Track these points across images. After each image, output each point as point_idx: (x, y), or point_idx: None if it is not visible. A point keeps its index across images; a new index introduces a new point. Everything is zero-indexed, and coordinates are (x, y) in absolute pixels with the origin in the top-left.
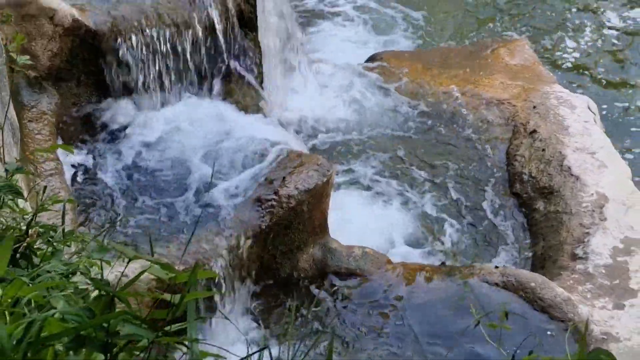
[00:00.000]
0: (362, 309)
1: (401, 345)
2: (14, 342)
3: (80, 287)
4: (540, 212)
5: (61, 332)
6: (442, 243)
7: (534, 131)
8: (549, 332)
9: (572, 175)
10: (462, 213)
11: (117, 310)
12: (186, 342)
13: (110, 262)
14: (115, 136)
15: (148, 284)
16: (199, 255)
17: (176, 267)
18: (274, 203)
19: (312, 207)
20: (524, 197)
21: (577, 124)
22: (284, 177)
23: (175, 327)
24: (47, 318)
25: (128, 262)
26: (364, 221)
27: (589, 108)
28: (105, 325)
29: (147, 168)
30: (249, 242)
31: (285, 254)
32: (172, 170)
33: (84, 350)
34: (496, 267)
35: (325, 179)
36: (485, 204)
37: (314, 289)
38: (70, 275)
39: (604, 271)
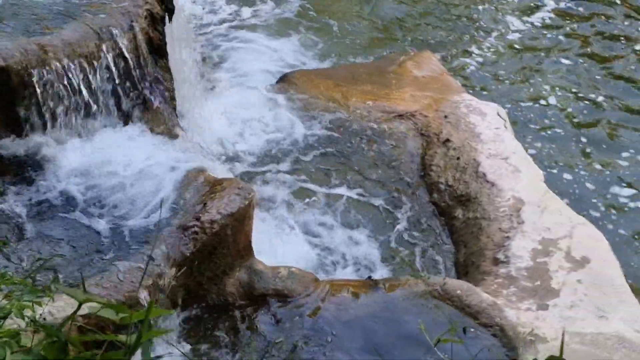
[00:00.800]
0: (291, 329)
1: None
2: None
3: (13, 329)
4: (459, 219)
5: None
6: (366, 257)
7: (447, 140)
8: (476, 338)
9: (487, 181)
10: (382, 225)
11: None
12: None
13: (41, 303)
14: (25, 171)
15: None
16: (123, 287)
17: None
18: (197, 229)
19: (236, 231)
20: (443, 205)
21: (489, 131)
22: (205, 203)
23: None
24: None
25: (79, 306)
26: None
27: (498, 114)
28: None
29: (61, 200)
30: (174, 270)
31: (211, 279)
32: (88, 200)
33: None
34: (421, 277)
35: (247, 202)
36: (404, 215)
37: (242, 313)
38: (1, 320)
39: (525, 273)
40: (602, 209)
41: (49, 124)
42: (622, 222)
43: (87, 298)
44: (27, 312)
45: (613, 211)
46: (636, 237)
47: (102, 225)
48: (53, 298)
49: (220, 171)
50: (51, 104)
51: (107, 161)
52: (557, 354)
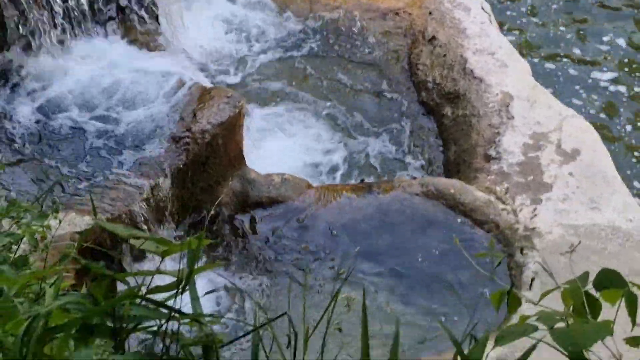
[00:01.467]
0: (289, 235)
1: (333, 264)
2: (20, 340)
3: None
4: (448, 117)
5: (68, 323)
6: (359, 160)
7: (433, 38)
8: (472, 233)
9: (475, 77)
10: (373, 127)
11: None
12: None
13: (50, 226)
14: (12, 86)
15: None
16: (118, 201)
17: (100, 216)
18: (189, 140)
19: (227, 140)
20: (431, 104)
21: (474, 26)
22: (194, 113)
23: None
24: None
25: (123, 241)
26: (278, 153)
27: (482, 9)
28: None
29: (53, 113)
30: (168, 182)
31: (205, 190)
32: (79, 113)
33: (94, 339)
34: (414, 177)
35: (237, 111)
36: (393, 116)
37: (237, 222)
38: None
39: (518, 169)
40: (584, 95)
41: (32, 39)
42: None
43: (130, 234)
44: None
45: (594, 97)
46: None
47: (93, 138)
48: (60, 220)
49: (206, 80)
50: (33, 18)
51: (91, 75)
52: (553, 248)
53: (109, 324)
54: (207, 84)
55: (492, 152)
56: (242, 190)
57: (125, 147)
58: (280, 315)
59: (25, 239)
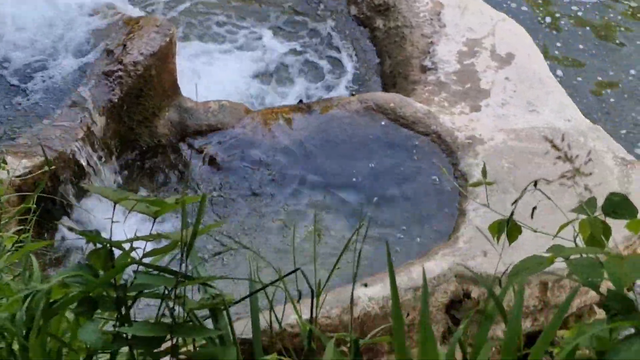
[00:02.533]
0: (229, 161)
1: (281, 186)
2: (22, 320)
3: None
4: (380, 30)
5: (71, 298)
6: (293, 80)
7: None
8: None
9: None
10: (306, 45)
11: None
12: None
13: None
14: None
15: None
16: (55, 141)
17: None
18: (121, 73)
19: (160, 71)
20: (362, 18)
21: None
22: (124, 45)
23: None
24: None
25: (115, 205)
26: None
27: None
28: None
29: None
30: (104, 118)
31: (141, 122)
32: None
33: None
34: (352, 94)
35: (168, 39)
36: (325, 30)
37: (178, 153)
38: None
39: (455, 77)
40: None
41: None
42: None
43: (122, 197)
44: None
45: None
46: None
47: (18, 79)
48: (8, 171)
49: (133, 10)
50: None
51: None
52: (494, 154)
53: (112, 294)
54: (132, 12)
55: (428, 63)
56: (180, 120)
57: (56, 86)
58: (292, 271)
59: None
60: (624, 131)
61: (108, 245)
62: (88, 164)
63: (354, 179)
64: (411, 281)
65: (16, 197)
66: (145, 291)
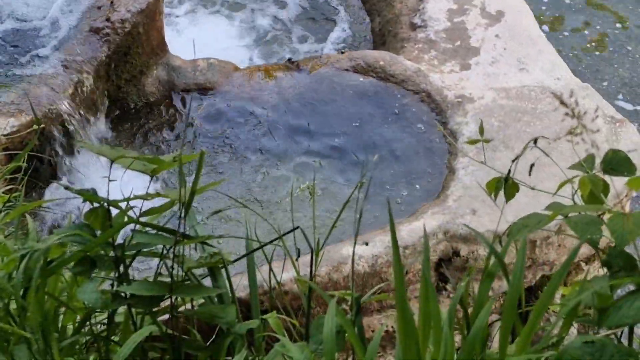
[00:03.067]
0: (217, 120)
1: (265, 143)
2: (19, 279)
3: None
4: None
5: (69, 257)
6: (280, 39)
7: None
8: (404, 105)
9: None
10: (295, 6)
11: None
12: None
13: None
14: None
15: None
16: (42, 100)
17: (23, 116)
18: (109, 31)
19: (148, 28)
20: None
21: None
22: (112, 1)
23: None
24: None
25: (112, 163)
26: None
27: None
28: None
29: None
30: (91, 76)
31: (129, 81)
32: None
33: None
34: (342, 52)
35: None
36: None
37: (166, 111)
38: None
39: (444, 35)
40: None
41: None
42: None
43: (119, 155)
44: None
45: None
46: None
47: (4, 34)
48: None
49: None
50: None
51: None
52: (484, 112)
53: (110, 253)
54: None
55: (417, 20)
56: (168, 78)
57: (42, 42)
58: (292, 230)
59: None
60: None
61: (105, 204)
62: (76, 122)
63: (343, 138)
64: (401, 240)
65: (3, 156)
66: (144, 250)
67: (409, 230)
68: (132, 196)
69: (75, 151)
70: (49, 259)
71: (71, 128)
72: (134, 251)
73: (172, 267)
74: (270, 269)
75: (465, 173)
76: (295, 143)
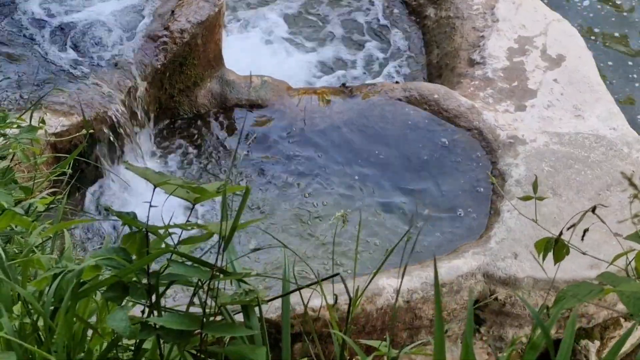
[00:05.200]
0: (266, 138)
1: (311, 167)
2: (50, 299)
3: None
4: (431, 19)
5: (103, 281)
6: (339, 63)
7: None
8: (455, 140)
9: None
10: (352, 30)
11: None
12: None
13: (39, 141)
14: None
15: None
16: (94, 102)
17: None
18: (167, 39)
19: (206, 40)
20: (414, 5)
21: None
22: (173, 11)
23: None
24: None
25: (154, 188)
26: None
27: None
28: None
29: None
30: (145, 83)
31: (182, 91)
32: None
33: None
34: (397, 82)
35: (217, 9)
36: (376, 17)
37: (216, 125)
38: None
39: (502, 74)
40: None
41: None
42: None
43: (163, 181)
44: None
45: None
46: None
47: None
48: (46, 131)
49: None
50: None
51: None
52: (536, 156)
53: (143, 280)
54: None
55: (477, 57)
56: (221, 92)
57: (99, 45)
58: (331, 275)
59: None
60: None
61: (144, 229)
62: (125, 128)
63: (390, 168)
64: (439, 277)
65: (50, 153)
66: (178, 280)
67: (448, 268)
68: (172, 224)
69: (121, 156)
70: (81, 280)
71: (120, 132)
72: (168, 281)
73: (205, 302)
74: (306, 313)
75: (510, 216)
76: (342, 169)
